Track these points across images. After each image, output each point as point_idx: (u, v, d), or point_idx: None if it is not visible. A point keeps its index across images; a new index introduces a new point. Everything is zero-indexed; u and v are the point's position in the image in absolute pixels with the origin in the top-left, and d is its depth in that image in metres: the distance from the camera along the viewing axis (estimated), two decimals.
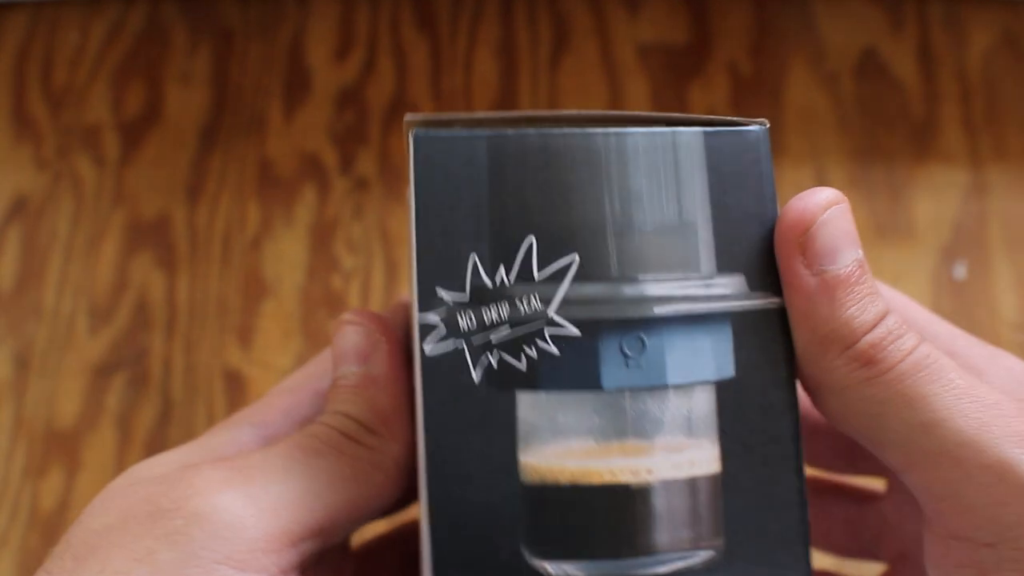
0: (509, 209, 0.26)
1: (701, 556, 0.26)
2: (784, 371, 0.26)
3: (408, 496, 0.30)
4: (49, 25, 0.61)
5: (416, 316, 0.26)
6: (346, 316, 0.30)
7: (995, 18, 0.59)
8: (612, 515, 0.25)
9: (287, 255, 0.55)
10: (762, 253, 0.27)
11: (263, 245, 0.55)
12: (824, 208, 0.26)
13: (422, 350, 0.26)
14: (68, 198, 0.56)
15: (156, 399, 0.52)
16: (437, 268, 0.26)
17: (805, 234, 0.26)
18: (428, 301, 0.26)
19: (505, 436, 0.25)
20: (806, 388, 0.27)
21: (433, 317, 0.26)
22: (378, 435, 0.28)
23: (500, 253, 0.26)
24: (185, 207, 0.56)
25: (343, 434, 0.28)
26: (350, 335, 0.29)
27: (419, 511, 0.28)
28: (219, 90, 0.59)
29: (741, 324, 0.26)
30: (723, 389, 0.26)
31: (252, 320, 0.53)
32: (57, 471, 0.50)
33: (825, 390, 0.27)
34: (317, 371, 0.32)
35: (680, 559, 0.26)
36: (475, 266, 0.26)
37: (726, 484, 0.26)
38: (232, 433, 0.29)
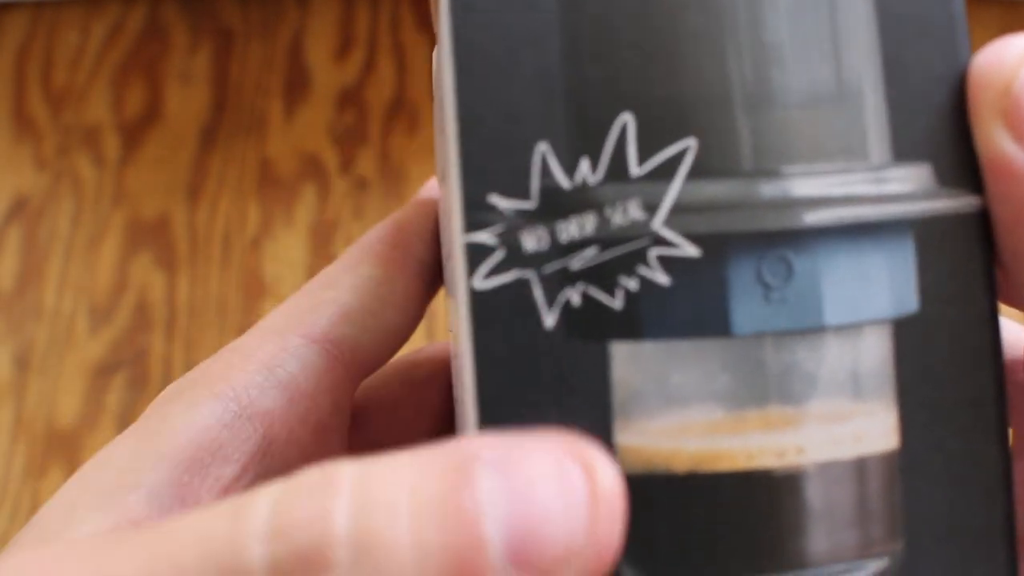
0: (592, 75, 0.19)
1: (871, 567, 0.19)
2: (986, 302, 0.19)
3: None
4: (49, 25, 0.61)
5: (458, 236, 0.18)
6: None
7: (995, 18, 0.59)
8: (748, 514, 0.19)
9: (287, 255, 0.55)
10: (955, 132, 0.19)
11: (263, 245, 0.55)
12: None
13: (470, 285, 0.18)
14: (68, 198, 0.56)
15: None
16: (489, 165, 0.18)
17: (1007, 94, 0.18)
18: (476, 214, 0.18)
19: (593, 406, 0.18)
20: None
21: (484, 236, 0.18)
22: None
23: (581, 140, 0.18)
24: (185, 207, 0.56)
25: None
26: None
27: None
28: (219, 90, 0.59)
29: (928, 236, 0.19)
30: (903, 330, 0.19)
31: (252, 320, 0.53)
32: (57, 471, 0.50)
33: None
34: (307, 303, 0.23)
35: (843, 572, 0.19)
36: (544, 160, 0.18)
37: (906, 464, 0.19)
38: (187, 412, 0.21)
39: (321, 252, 0.55)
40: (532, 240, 0.18)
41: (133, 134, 0.58)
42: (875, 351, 0.19)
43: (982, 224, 0.19)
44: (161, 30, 0.61)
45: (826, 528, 0.19)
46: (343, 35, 0.60)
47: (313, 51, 0.60)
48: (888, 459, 0.19)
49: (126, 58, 0.60)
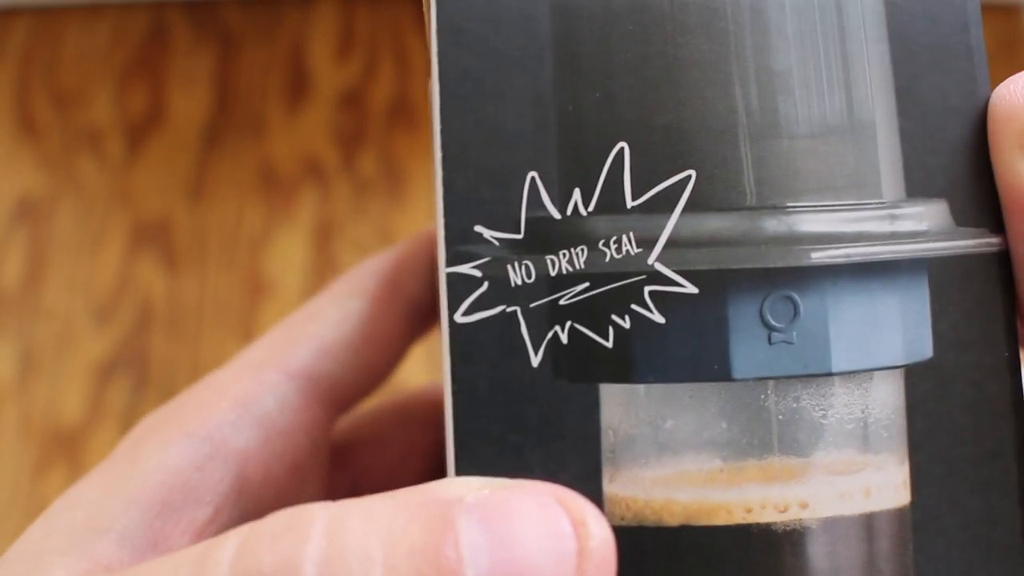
0: (587, 101, 0.17)
1: None
2: (1006, 348, 0.18)
3: None
4: (53, 28, 0.61)
5: (442, 268, 0.17)
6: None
7: (991, 24, 0.60)
8: (745, 573, 0.17)
9: (288, 256, 0.55)
10: (973, 167, 0.18)
11: (265, 246, 0.56)
12: None
13: (451, 319, 0.17)
14: (71, 199, 0.57)
15: (158, 399, 0.52)
16: (474, 194, 0.17)
17: None
18: (461, 246, 0.17)
19: (580, 452, 0.17)
20: None
21: (469, 269, 0.17)
22: None
23: (573, 169, 0.17)
24: (187, 208, 0.56)
25: None
26: None
27: None
28: (221, 92, 0.59)
29: (944, 277, 0.18)
30: (916, 378, 0.18)
31: (253, 321, 0.54)
32: (60, 470, 0.51)
33: None
34: (288, 336, 0.22)
35: None
36: (534, 189, 0.17)
37: (918, 523, 0.17)
38: (159, 452, 0.20)
39: (322, 252, 0.55)
40: (519, 273, 0.17)
41: (136, 136, 0.58)
42: (886, 399, 0.18)
43: (1002, 265, 0.18)
44: (164, 33, 0.61)
45: None
46: (344, 37, 0.61)
47: (314, 53, 0.60)
48: (899, 515, 0.18)
49: (129, 61, 0.60)
